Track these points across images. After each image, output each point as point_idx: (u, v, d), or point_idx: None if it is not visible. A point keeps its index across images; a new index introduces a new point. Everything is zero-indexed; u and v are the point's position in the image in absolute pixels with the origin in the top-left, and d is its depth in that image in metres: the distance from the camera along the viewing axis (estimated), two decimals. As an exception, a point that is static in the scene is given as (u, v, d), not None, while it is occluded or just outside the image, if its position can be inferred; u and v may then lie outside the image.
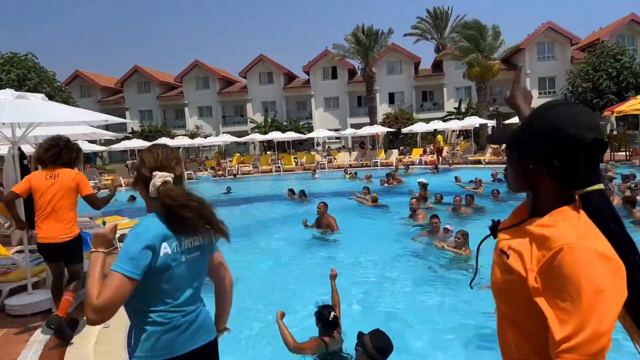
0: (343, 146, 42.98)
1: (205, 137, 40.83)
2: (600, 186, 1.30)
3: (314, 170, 25.61)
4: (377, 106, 41.71)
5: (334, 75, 45.91)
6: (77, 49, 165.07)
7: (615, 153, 23.98)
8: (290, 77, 48.56)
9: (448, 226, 7.76)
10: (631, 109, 22.59)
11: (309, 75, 46.32)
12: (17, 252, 7.66)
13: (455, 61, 37.77)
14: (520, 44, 40.52)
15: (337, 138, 42.33)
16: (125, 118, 45.91)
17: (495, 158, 26.43)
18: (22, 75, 30.48)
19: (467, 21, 34.43)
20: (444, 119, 37.07)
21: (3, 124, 5.87)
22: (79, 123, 7.66)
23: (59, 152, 4.75)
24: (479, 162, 26.51)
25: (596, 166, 1.31)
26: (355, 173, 22.56)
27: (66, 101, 29.50)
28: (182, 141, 34.56)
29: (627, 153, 23.70)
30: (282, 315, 4.42)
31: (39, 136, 7.45)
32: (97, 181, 23.77)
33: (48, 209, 4.70)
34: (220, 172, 29.36)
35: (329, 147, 41.43)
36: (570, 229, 1.24)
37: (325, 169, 29.52)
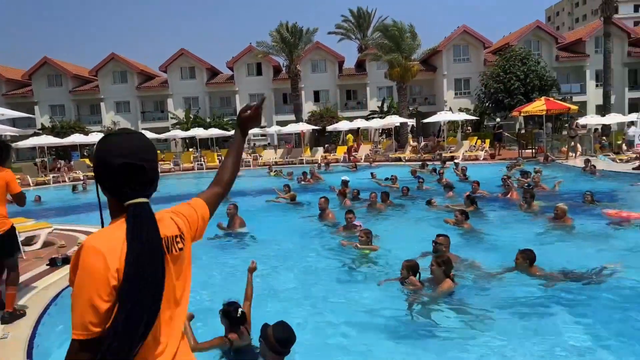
0: (268, 143, 42.78)
1: (123, 133, 38.90)
2: (139, 200, 1.56)
3: (238, 168, 25.25)
4: (303, 104, 41.89)
5: (259, 72, 45.55)
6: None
7: (523, 151, 25.69)
8: (213, 72, 47.58)
9: (356, 222, 7.94)
10: (535, 110, 24.33)
11: (232, 71, 45.62)
12: None
13: (377, 61, 38.73)
14: (437, 46, 42.28)
15: (262, 135, 42.04)
16: (33, 113, 42.87)
17: (415, 155, 27.41)
18: None
19: (387, 23, 35.38)
20: (367, 118, 37.93)
21: None
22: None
23: None
24: (399, 159, 27.37)
25: (136, 184, 1.57)
26: (281, 170, 22.52)
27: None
28: (97, 137, 32.65)
29: (533, 151, 25.46)
30: (190, 317, 4.34)
31: None
32: None
33: None
34: (139, 171, 28.09)
35: (254, 144, 41.08)
36: (98, 232, 1.53)
37: (250, 166, 29.24)
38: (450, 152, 26.83)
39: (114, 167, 1.53)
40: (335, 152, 31.27)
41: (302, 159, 29.21)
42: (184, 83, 45.45)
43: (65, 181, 24.93)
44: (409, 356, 4.53)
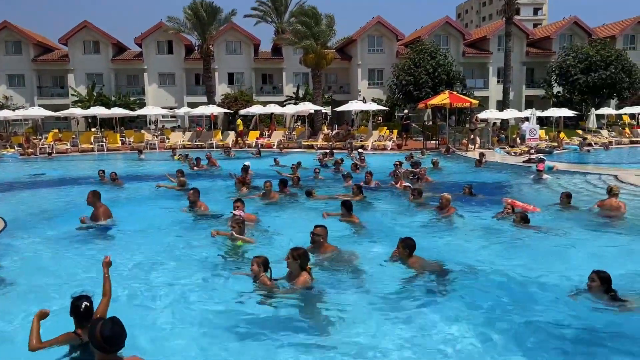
0: (178, 125, 41.18)
1: (15, 109, 35.56)
2: None
3: (140, 151, 24.01)
4: (216, 86, 40.72)
5: (170, 50, 43.55)
6: None
7: (428, 142, 26.73)
8: (120, 48, 44.78)
9: (236, 212, 7.69)
10: (440, 102, 25.38)
11: (141, 47, 43.22)
12: None
13: (292, 46, 38.37)
14: (352, 35, 42.72)
15: (172, 117, 40.36)
16: None
17: (326, 143, 27.60)
18: None
19: (303, 8, 35.12)
20: (282, 104, 37.59)
21: None
22: None
23: None
24: (311, 146, 27.50)
25: None
26: (187, 155, 21.65)
27: None
28: (-16, 114, 29.64)
29: (436, 142, 26.56)
30: (43, 315, 4.11)
31: None
32: None
33: None
34: (30, 151, 25.88)
35: (162, 125, 39.33)
36: None
37: (155, 149, 28.04)
38: (361, 141, 27.36)
39: None
40: (248, 136, 30.75)
41: (212, 143, 28.42)
42: (87, 58, 42.40)
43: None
44: (253, 355, 4.39)
